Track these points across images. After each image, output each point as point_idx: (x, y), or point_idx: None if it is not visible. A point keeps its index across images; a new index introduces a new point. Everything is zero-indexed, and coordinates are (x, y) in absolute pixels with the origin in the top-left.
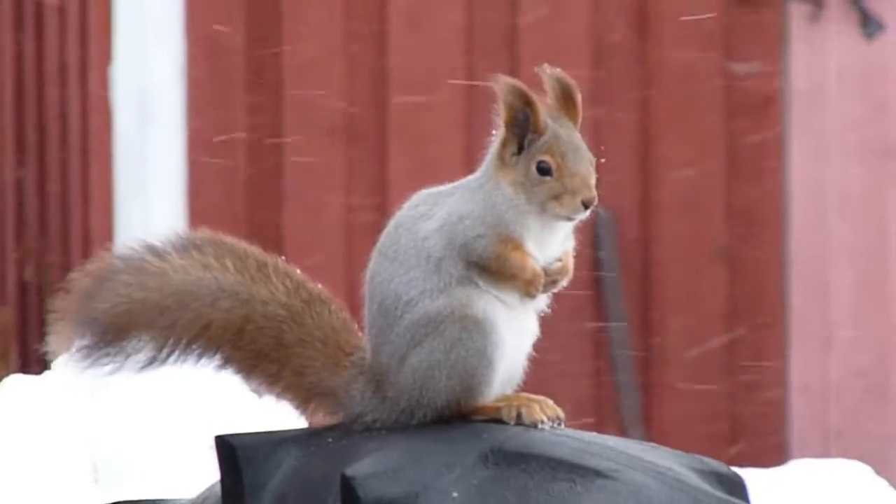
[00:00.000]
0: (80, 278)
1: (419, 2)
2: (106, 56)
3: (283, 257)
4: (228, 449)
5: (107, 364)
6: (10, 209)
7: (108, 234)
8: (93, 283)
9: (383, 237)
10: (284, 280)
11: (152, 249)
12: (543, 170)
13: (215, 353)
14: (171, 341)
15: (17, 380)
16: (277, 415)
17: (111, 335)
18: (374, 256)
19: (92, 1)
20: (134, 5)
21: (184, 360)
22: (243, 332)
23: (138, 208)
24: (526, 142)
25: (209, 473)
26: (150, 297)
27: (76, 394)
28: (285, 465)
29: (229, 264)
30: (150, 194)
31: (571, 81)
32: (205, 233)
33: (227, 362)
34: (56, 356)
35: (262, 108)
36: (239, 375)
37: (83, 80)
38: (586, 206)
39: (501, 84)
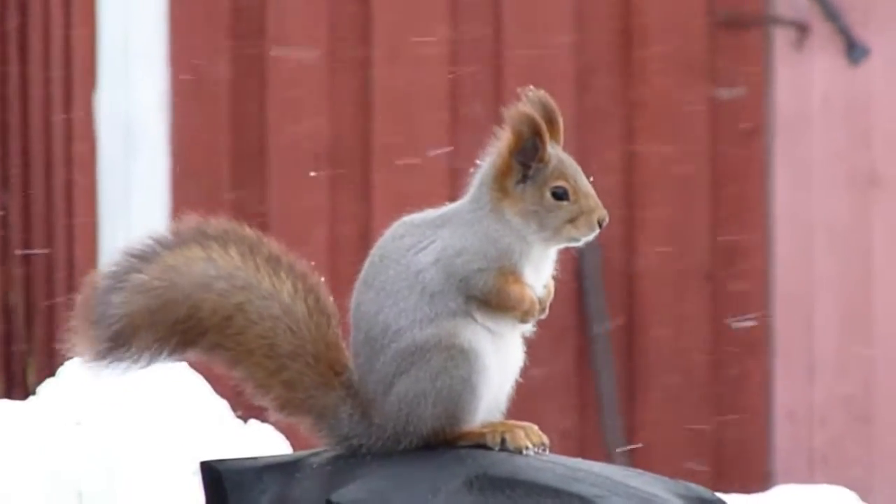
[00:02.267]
0: (91, 280)
1: (402, 29)
2: (90, 83)
3: (313, 263)
4: (214, 475)
5: (121, 363)
6: None
7: (91, 260)
8: (103, 286)
9: (369, 268)
10: (296, 281)
11: (162, 243)
12: (559, 195)
13: (202, 338)
14: (169, 329)
15: (1, 405)
16: (262, 441)
17: (123, 336)
18: (359, 287)
19: (76, 27)
20: (118, 32)
21: (182, 350)
22: (233, 320)
23: (122, 235)
24: (531, 171)
25: (195, 500)
26: (154, 292)
27: (61, 420)
28: (270, 491)
29: (233, 252)
30: (133, 222)
31: (554, 104)
32: (218, 222)
33: (213, 349)
34: (73, 356)
35: (246, 134)
36: (222, 364)
37: (68, 107)
38: (601, 225)
39: (515, 113)
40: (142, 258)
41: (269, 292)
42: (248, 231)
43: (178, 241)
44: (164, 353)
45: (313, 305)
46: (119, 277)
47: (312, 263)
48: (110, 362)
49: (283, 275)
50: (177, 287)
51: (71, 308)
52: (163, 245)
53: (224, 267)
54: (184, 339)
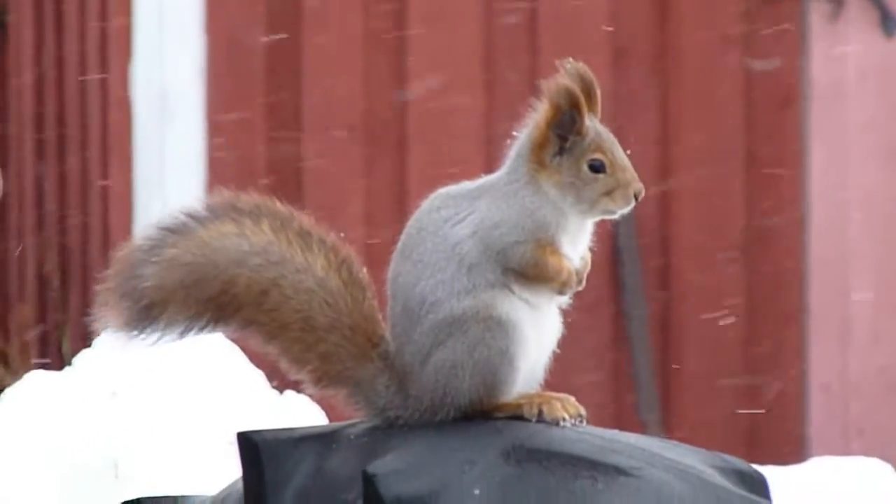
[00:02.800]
0: (123, 253)
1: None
2: (126, 53)
3: (342, 234)
4: (251, 446)
5: (151, 335)
6: (29, 205)
7: (127, 231)
8: (135, 258)
9: (406, 239)
10: (328, 254)
11: (192, 217)
12: (596, 168)
13: (237, 314)
14: (204, 305)
15: (36, 376)
16: (299, 411)
17: (154, 310)
18: (397, 258)
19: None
20: (154, 3)
21: (215, 325)
22: (268, 295)
23: (157, 205)
24: (568, 143)
25: (231, 470)
26: (187, 267)
27: (97, 391)
28: (307, 462)
29: (265, 226)
30: (169, 191)
31: (592, 75)
32: (248, 196)
33: (248, 324)
34: (103, 328)
35: (282, 105)
36: (258, 340)
37: (103, 77)
38: (637, 198)
39: (553, 86)
40: (175, 232)
41: (303, 266)
42: (280, 206)
43: (210, 216)
44: (197, 328)
45: (347, 278)
46: (152, 251)
47: (342, 235)
48: (140, 334)
49: (315, 248)
50: (211, 263)
51: (102, 280)
52: (196, 220)
53: (257, 242)
54: (218, 315)
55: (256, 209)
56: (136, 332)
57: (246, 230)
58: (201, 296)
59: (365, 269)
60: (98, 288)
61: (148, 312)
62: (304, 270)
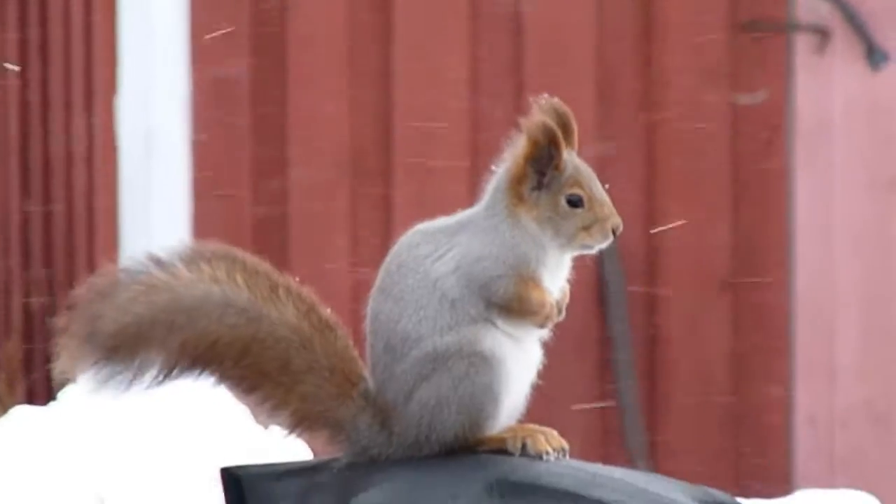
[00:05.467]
0: (85, 294)
1: (423, 35)
2: (111, 89)
3: (297, 278)
4: (234, 481)
5: (119, 382)
6: (15, 241)
7: (113, 265)
8: (98, 300)
9: (385, 277)
10: (296, 302)
11: (158, 262)
12: (574, 202)
13: (218, 368)
14: (180, 357)
15: (23, 411)
16: (282, 446)
17: (120, 353)
18: (376, 296)
19: (97, 33)
20: (139, 39)
21: (190, 375)
22: (248, 351)
23: (143, 242)
24: (546, 178)
25: None
26: (157, 314)
27: (82, 425)
28: (290, 497)
29: (240, 280)
30: (154, 228)
31: (568, 111)
32: (216, 245)
33: (225, 378)
34: (64, 376)
35: (267, 142)
36: (237, 393)
37: (88, 113)
38: (615, 233)
39: (531, 121)
40: (150, 287)
41: (277, 317)
42: (246, 255)
43: (183, 267)
44: (169, 376)
45: (317, 322)
46: (128, 311)
47: (297, 279)
48: (107, 377)
49: (283, 297)
50: (192, 324)
51: (67, 339)
52: (169, 272)
53: (234, 298)
54: (193, 371)
55: (227, 261)
56: (106, 377)
57: (224, 286)
58: (182, 355)
59: (330, 311)
60: (63, 345)
61: (125, 367)
62: (278, 321)
